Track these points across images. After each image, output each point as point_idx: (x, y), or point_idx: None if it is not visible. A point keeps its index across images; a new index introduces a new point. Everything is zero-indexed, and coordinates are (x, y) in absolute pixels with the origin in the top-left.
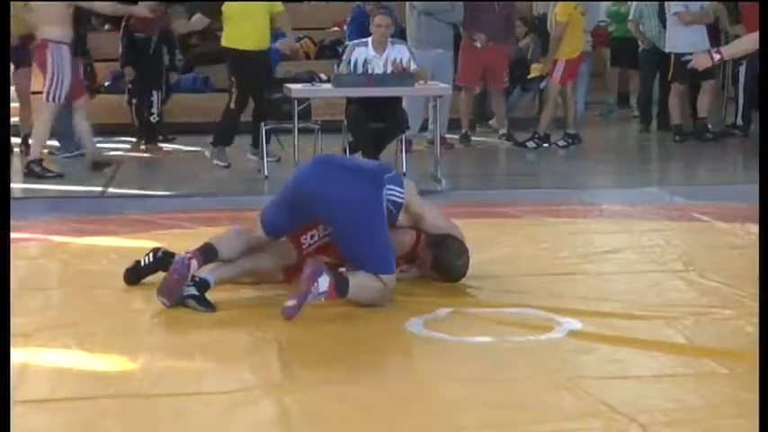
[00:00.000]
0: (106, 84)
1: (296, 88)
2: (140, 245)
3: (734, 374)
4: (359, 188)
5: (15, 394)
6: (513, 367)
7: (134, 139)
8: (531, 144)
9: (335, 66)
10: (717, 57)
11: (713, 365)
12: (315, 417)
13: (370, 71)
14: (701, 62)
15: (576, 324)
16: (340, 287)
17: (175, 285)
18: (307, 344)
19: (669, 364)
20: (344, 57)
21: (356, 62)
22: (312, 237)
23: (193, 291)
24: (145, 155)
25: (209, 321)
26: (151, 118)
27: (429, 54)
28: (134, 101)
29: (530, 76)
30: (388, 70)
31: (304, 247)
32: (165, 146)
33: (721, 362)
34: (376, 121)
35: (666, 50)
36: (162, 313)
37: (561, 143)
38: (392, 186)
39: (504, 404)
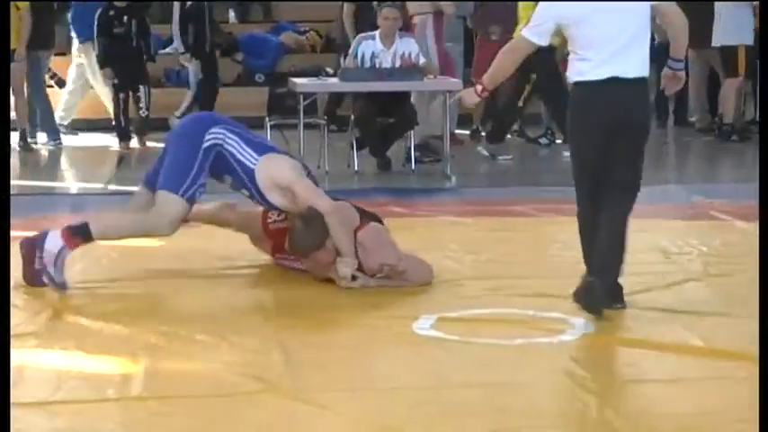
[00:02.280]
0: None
1: (301, 82)
2: (139, 243)
3: (752, 378)
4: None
5: (13, 396)
6: (524, 371)
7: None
8: (544, 140)
9: (342, 59)
10: (480, 89)
11: (731, 369)
12: (318, 421)
13: (378, 65)
14: (467, 99)
15: (589, 326)
16: (74, 231)
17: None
18: (310, 346)
19: (686, 367)
20: (351, 50)
21: (363, 56)
22: (279, 215)
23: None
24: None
25: (209, 323)
26: (140, 113)
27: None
28: (121, 96)
29: None
30: (397, 64)
31: (269, 221)
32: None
33: (740, 365)
34: (384, 116)
35: (714, 44)
36: (160, 313)
37: None
38: (225, 135)
39: (513, 409)
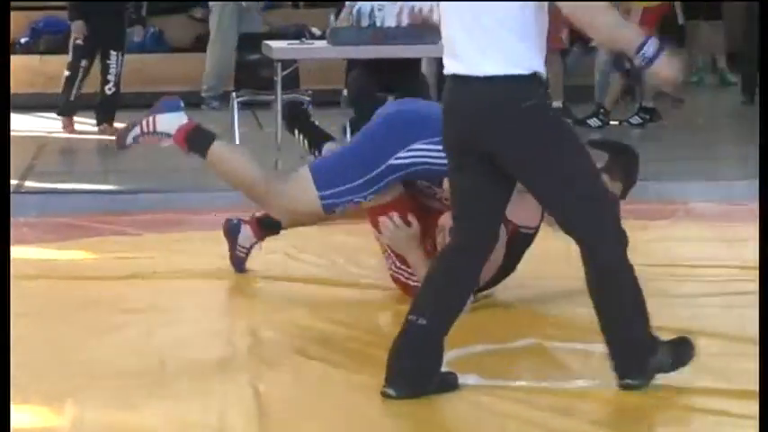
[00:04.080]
0: (22, 40)
1: (279, 47)
2: (64, 257)
3: None
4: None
5: None
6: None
7: (58, 117)
8: (594, 122)
9: (332, 17)
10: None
11: None
12: None
13: (378, 24)
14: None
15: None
16: (190, 137)
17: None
18: (287, 398)
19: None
20: (345, 4)
21: (360, 11)
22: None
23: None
24: (93, 137)
25: (166, 361)
26: (107, 88)
27: None
28: (83, 64)
29: None
30: (404, 22)
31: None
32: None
33: None
34: (386, 91)
35: None
36: (96, 348)
37: (635, 120)
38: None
39: None
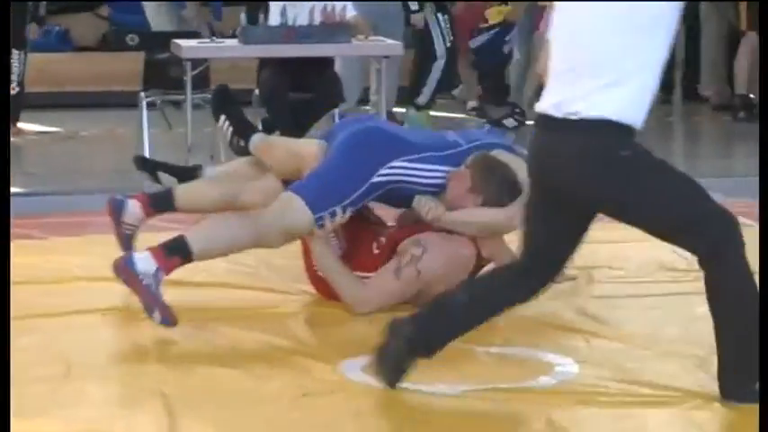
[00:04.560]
0: None
1: (188, 46)
2: None
3: None
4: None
5: None
6: (485, 429)
7: None
8: (510, 122)
9: (243, 15)
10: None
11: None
12: None
13: (290, 22)
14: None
15: (572, 367)
16: (169, 248)
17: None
18: (197, 398)
19: (698, 423)
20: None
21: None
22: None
23: None
24: None
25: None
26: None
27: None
28: None
29: (487, 24)
30: (316, 20)
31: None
32: (26, 126)
33: None
34: (299, 90)
35: None
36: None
37: None
38: (407, 168)
39: None
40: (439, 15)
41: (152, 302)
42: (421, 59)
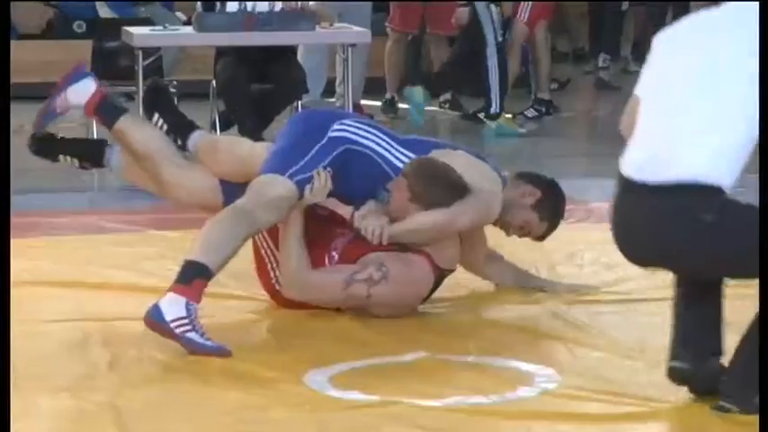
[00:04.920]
0: None
1: (139, 33)
2: None
3: None
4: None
5: None
6: None
7: None
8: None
9: (199, 2)
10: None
11: None
12: None
13: (250, 8)
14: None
15: (553, 378)
16: (185, 277)
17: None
18: (153, 407)
19: None
20: None
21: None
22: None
23: None
24: None
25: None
26: None
27: None
28: None
29: None
30: (277, 7)
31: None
32: None
33: None
34: (259, 81)
35: None
36: None
37: (530, 113)
38: (366, 129)
39: None
40: (492, 7)
41: (198, 349)
42: (468, 57)
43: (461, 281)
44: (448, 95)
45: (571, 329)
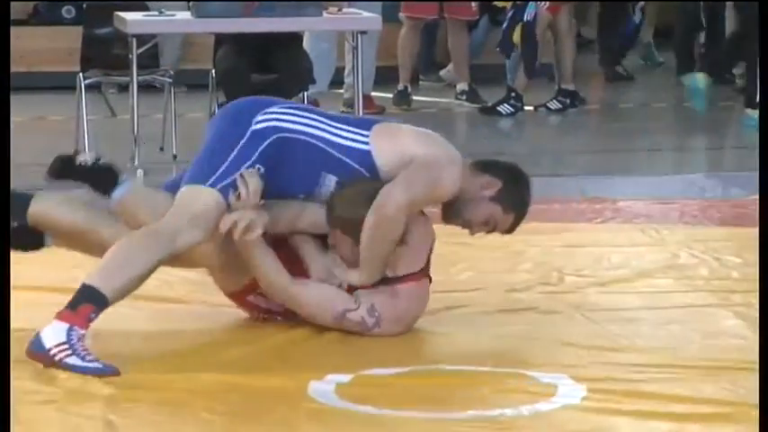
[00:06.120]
0: None
1: (133, 19)
2: None
3: None
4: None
5: None
6: None
7: None
8: (505, 108)
9: None
10: None
11: None
12: None
13: None
14: None
15: (577, 390)
16: (74, 301)
17: None
18: (148, 425)
19: None
20: None
21: None
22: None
23: None
24: None
25: None
26: None
27: None
28: None
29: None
30: None
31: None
32: None
33: None
34: (262, 71)
35: None
36: None
37: (553, 105)
38: (296, 114)
39: None
40: None
41: (81, 371)
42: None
43: (474, 286)
44: (465, 86)
45: (597, 337)
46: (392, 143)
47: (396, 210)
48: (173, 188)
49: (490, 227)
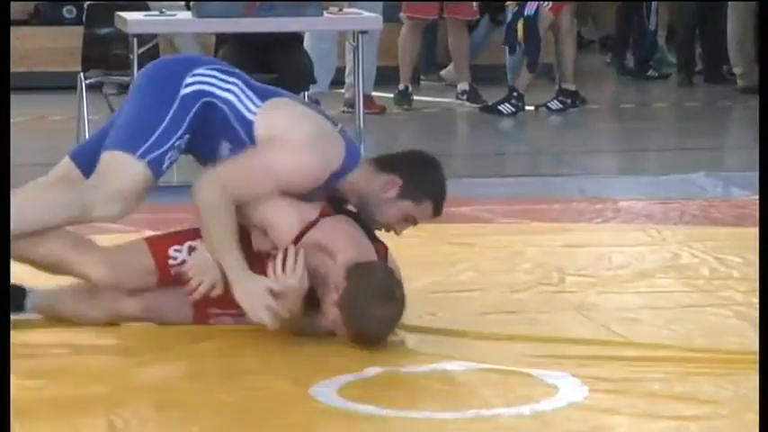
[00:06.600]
0: None
1: (134, 19)
2: None
3: None
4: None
5: None
6: None
7: None
8: (506, 108)
9: None
10: None
11: None
12: None
13: None
14: None
15: (578, 390)
16: None
17: None
18: (151, 426)
19: None
20: None
21: None
22: (183, 251)
23: None
24: None
25: None
26: None
27: None
28: None
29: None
30: None
31: (171, 264)
32: None
33: None
34: (262, 71)
35: None
36: None
37: (554, 105)
38: (218, 77)
39: None
40: None
41: None
42: None
43: (474, 286)
44: (465, 86)
45: (598, 337)
46: (269, 117)
47: (208, 192)
48: (89, 154)
49: (410, 222)
